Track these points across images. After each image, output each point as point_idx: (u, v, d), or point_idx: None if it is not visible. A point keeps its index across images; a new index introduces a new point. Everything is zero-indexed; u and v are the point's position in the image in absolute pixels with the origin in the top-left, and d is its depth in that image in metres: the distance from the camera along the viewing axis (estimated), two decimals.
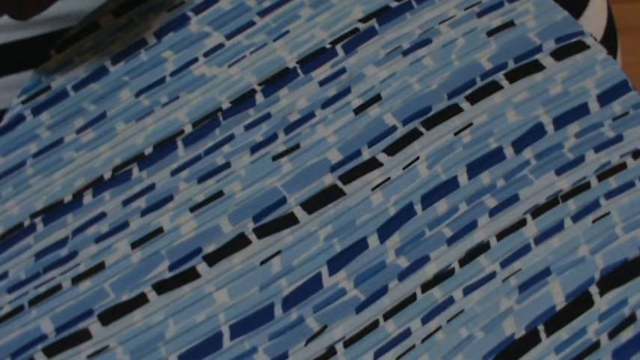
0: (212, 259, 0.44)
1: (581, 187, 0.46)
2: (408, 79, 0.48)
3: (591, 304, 0.44)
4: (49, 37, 0.48)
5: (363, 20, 0.49)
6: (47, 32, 0.48)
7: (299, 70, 0.48)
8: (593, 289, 0.45)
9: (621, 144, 0.47)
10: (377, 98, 0.47)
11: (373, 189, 0.46)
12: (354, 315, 0.44)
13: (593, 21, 0.55)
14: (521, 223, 0.46)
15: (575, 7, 0.53)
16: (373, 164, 0.46)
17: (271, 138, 0.46)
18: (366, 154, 0.46)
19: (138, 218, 0.45)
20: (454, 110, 0.47)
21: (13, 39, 0.48)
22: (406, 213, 0.45)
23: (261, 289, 0.44)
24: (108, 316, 0.44)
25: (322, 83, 0.47)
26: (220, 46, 0.48)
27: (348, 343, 0.43)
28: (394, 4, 0.49)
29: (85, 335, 0.43)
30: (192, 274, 0.44)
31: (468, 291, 0.44)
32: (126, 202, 0.45)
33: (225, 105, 0.47)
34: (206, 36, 0.49)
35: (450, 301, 0.44)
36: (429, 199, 0.46)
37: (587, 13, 0.54)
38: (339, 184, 0.46)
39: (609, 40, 0.57)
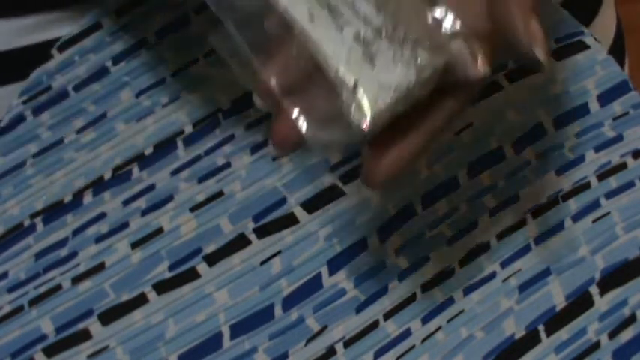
0: (212, 259, 0.44)
1: (581, 187, 0.46)
2: None
3: (591, 304, 0.44)
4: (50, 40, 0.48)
5: None
6: (48, 39, 0.48)
7: None
8: (593, 289, 0.45)
9: (621, 144, 0.47)
10: None
11: None
12: (354, 315, 0.44)
13: (603, 28, 0.55)
14: (521, 223, 0.46)
15: (586, 15, 0.53)
16: None
17: None
18: None
19: (138, 218, 0.45)
20: None
21: (14, 46, 0.47)
22: (406, 213, 0.45)
23: (261, 289, 0.44)
24: (108, 316, 0.44)
25: None
26: None
27: (348, 343, 0.43)
28: None
29: (85, 335, 0.43)
30: (192, 274, 0.44)
31: (468, 291, 0.44)
32: (126, 203, 0.45)
33: (226, 105, 0.47)
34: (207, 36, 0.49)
35: (450, 301, 0.44)
36: (429, 199, 0.45)
37: (597, 20, 0.54)
38: (339, 184, 0.46)
39: (618, 48, 0.57)
